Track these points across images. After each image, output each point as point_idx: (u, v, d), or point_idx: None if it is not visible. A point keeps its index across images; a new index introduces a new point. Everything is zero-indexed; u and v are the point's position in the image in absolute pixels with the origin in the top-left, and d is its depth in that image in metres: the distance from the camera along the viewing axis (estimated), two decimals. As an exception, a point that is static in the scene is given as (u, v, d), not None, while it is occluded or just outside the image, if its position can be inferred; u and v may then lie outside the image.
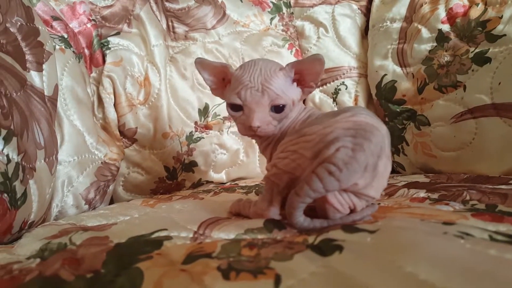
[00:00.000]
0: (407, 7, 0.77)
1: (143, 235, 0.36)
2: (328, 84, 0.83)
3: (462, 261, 0.25)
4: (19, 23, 0.50)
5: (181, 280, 0.26)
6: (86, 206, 0.62)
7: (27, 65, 0.50)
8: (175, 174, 0.75)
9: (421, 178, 0.64)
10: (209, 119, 0.76)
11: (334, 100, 0.83)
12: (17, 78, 0.47)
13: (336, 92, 0.82)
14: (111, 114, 0.69)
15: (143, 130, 0.72)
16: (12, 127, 0.44)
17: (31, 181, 0.47)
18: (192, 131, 0.75)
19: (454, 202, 0.45)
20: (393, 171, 0.80)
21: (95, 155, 0.63)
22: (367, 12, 0.86)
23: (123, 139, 0.72)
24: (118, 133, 0.70)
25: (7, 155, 0.43)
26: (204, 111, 0.76)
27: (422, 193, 0.51)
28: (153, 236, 0.36)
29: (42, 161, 0.51)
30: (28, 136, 0.48)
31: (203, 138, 0.76)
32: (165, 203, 0.53)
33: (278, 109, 0.41)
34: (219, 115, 0.76)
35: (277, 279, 0.25)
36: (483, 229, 0.33)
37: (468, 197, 0.46)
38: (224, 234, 0.36)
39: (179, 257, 0.30)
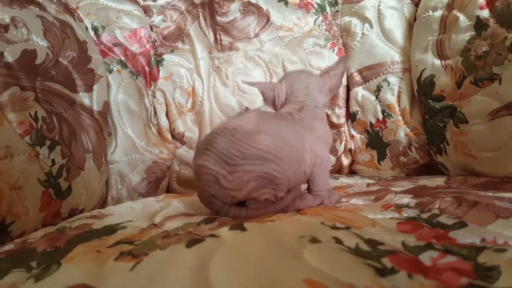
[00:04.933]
0: (449, -7, 0.70)
1: (114, 224, 0.46)
2: (370, 81, 0.81)
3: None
4: (71, 56, 0.65)
5: (89, 257, 0.35)
6: (140, 198, 0.76)
7: (77, 88, 0.65)
8: (216, 172, 0.83)
9: (436, 182, 0.59)
10: (248, 121, 0.82)
11: (377, 97, 0.80)
12: (65, 100, 0.62)
13: (378, 89, 0.80)
14: (162, 121, 0.82)
15: (190, 133, 0.83)
16: (56, 138, 0.59)
17: (78, 178, 0.62)
18: (233, 133, 0.83)
19: (412, 209, 0.43)
20: (438, 171, 0.74)
21: (145, 155, 0.76)
22: (419, 1, 0.81)
23: (176, 142, 0.84)
24: (169, 136, 0.83)
25: (52, 160, 0.57)
26: (243, 114, 0.82)
27: (406, 199, 0.49)
28: (119, 225, 0.46)
29: (91, 161, 0.65)
30: (77, 143, 0.63)
31: (242, 139, 0.82)
32: (174, 199, 0.62)
33: None
34: (256, 117, 0.82)
35: (137, 263, 0.31)
36: (362, 238, 0.33)
37: (437, 206, 0.44)
38: (172, 225, 0.44)
39: (111, 242, 0.39)
